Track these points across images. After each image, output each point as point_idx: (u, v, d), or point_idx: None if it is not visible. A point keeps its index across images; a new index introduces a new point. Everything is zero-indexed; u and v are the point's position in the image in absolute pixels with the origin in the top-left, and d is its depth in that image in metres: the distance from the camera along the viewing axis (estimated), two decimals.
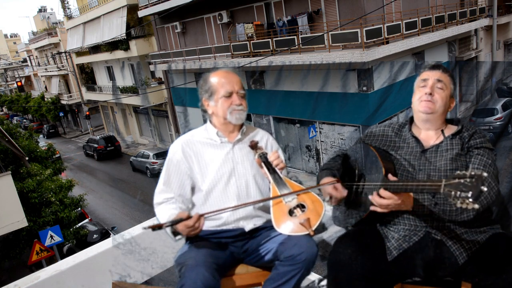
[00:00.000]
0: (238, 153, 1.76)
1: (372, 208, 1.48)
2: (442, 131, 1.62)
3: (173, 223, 1.52)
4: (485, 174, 1.12)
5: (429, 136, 1.64)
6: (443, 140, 1.60)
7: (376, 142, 1.74)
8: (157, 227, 1.52)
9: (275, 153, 1.73)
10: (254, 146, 1.75)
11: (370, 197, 1.48)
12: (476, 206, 1.12)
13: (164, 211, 1.66)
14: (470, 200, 1.11)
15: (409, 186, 1.36)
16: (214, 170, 1.71)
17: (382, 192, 1.43)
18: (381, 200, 1.44)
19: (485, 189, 1.10)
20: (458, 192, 1.14)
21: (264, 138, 1.85)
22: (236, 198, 1.71)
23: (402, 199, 1.44)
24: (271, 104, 13.17)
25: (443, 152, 1.57)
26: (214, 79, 1.73)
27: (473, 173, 1.14)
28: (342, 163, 1.80)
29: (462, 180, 1.14)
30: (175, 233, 1.60)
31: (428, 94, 1.59)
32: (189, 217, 1.52)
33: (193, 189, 1.76)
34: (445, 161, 1.55)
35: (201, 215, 1.56)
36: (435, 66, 1.63)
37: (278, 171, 1.68)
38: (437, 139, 1.62)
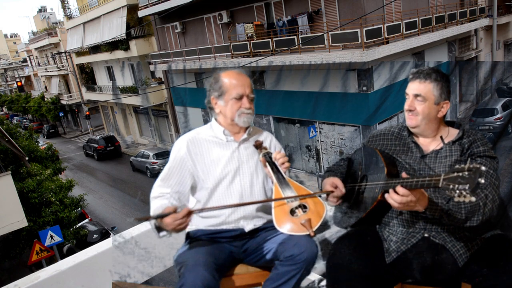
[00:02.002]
0: (244, 153, 1.76)
1: (391, 201, 1.42)
2: (442, 137, 1.62)
3: (160, 216, 1.49)
4: (483, 168, 1.13)
5: (427, 141, 1.65)
6: (442, 146, 1.60)
7: (378, 145, 1.75)
8: (144, 219, 1.52)
9: (279, 152, 1.73)
10: (259, 145, 1.76)
11: (386, 195, 1.44)
12: (473, 198, 1.13)
13: (157, 205, 1.65)
14: (468, 192, 1.12)
15: (409, 182, 1.36)
16: (220, 168, 1.71)
17: (399, 189, 1.39)
18: (397, 196, 1.39)
19: (483, 181, 1.11)
20: (456, 185, 1.15)
21: (268, 139, 1.86)
22: (239, 196, 1.71)
23: (418, 197, 1.40)
24: (271, 104, 13.17)
25: (442, 158, 1.58)
26: (226, 79, 1.73)
27: (471, 166, 1.14)
28: (346, 166, 1.82)
29: (460, 174, 1.16)
30: (159, 228, 1.56)
31: (407, 111, 1.62)
32: (175, 211, 1.49)
33: (194, 188, 1.76)
34: (444, 167, 1.56)
35: (190, 211, 1.54)
36: (414, 75, 1.61)
37: (282, 171, 1.69)
38: (437, 145, 1.62)
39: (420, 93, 1.58)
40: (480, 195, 1.42)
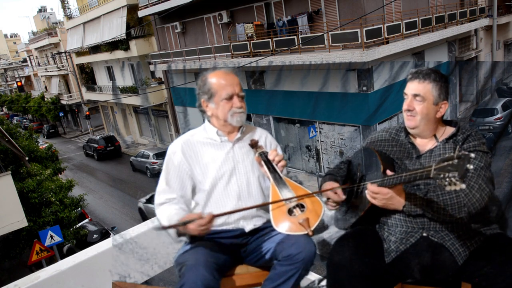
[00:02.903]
0: (239, 152, 1.75)
1: (368, 197, 1.52)
2: (435, 136, 1.62)
3: (186, 222, 1.51)
4: (472, 155, 1.14)
5: (424, 141, 1.65)
6: (437, 145, 1.60)
7: (376, 147, 1.75)
8: (170, 227, 1.54)
9: (274, 151, 1.72)
10: (254, 145, 1.74)
11: (366, 191, 1.52)
12: (463, 185, 1.14)
13: (169, 212, 1.64)
14: (457, 180, 1.14)
15: (403, 177, 1.39)
16: (215, 169, 1.70)
17: (369, 186, 1.48)
18: (372, 188, 1.49)
19: (471, 167, 1.13)
20: (446, 174, 1.16)
21: (262, 136, 1.84)
22: (237, 197, 1.70)
23: (391, 194, 1.47)
24: (271, 104, 13.17)
25: (436, 156, 1.58)
26: (213, 80, 1.71)
27: (459, 153, 1.16)
28: (346, 169, 1.82)
29: (450, 162, 1.17)
30: (179, 234, 1.59)
31: (406, 111, 1.62)
32: (200, 217, 1.52)
33: (193, 190, 1.75)
34: None
35: (214, 216, 1.56)
36: (413, 75, 1.61)
37: (278, 170, 1.68)
38: (432, 144, 1.62)
39: (419, 93, 1.57)
40: None
